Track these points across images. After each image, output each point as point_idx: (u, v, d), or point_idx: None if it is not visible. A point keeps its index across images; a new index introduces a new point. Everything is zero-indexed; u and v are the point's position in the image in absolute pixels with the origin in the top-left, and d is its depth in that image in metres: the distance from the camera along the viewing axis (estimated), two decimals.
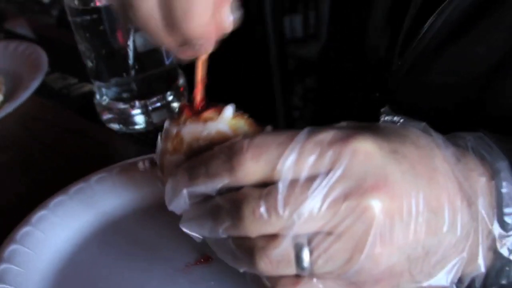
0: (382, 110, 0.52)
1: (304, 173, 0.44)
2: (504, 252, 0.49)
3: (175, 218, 0.53)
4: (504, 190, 0.48)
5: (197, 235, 0.51)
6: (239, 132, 0.52)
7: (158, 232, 0.69)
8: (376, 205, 0.44)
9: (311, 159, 0.44)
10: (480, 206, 0.48)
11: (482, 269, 0.49)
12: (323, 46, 1.06)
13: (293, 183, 0.44)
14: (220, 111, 0.53)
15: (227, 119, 0.53)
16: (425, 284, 0.48)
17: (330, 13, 0.99)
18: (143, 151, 0.79)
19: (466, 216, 0.47)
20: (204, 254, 0.64)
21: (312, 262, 0.45)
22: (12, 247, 0.66)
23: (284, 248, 0.45)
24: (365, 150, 0.45)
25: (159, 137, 0.56)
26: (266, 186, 0.45)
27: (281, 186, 0.44)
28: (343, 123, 0.52)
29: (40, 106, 0.99)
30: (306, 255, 0.45)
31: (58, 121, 0.95)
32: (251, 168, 0.45)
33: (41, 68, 1.02)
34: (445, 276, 0.47)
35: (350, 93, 0.94)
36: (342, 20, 0.93)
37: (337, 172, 0.44)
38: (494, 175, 0.49)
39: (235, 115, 0.53)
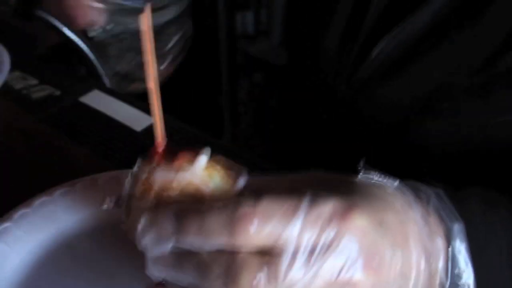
0: (359, 164, 0.55)
1: (305, 246, 0.46)
2: None
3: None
4: (458, 254, 0.53)
5: (159, 277, 0.52)
6: (211, 184, 0.53)
7: (118, 251, 0.70)
8: (364, 281, 0.48)
9: (313, 233, 0.46)
10: (440, 267, 0.52)
11: None
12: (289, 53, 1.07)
13: (293, 255, 0.46)
14: (192, 159, 0.53)
15: (199, 169, 0.53)
16: None
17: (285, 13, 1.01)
18: (103, 163, 0.81)
19: (426, 275, 0.52)
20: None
21: None
22: None
23: None
24: (362, 227, 0.48)
25: (127, 179, 0.56)
26: (262, 251, 0.46)
27: (284, 261, 0.46)
28: (316, 173, 0.55)
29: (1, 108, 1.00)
30: None
31: (18, 126, 0.96)
32: (254, 236, 0.46)
33: (3, 69, 1.02)
34: None
35: (299, 102, 0.97)
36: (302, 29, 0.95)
37: (335, 250, 0.46)
38: (450, 237, 0.53)
39: (208, 165, 0.53)
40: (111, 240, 0.72)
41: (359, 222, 0.48)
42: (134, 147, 0.82)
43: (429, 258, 0.52)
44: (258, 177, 0.56)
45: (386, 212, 0.51)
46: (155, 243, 0.50)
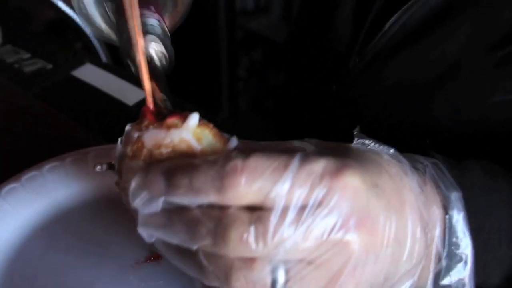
0: (354, 131, 0.54)
1: (295, 203, 0.45)
2: (447, 281, 0.53)
3: (126, 213, 0.53)
4: (455, 223, 0.52)
5: (151, 238, 0.51)
6: (204, 142, 0.52)
7: (109, 226, 0.70)
8: (357, 241, 0.46)
9: (303, 190, 0.45)
10: (436, 236, 0.52)
11: None
12: (291, 29, 1.07)
13: (283, 212, 0.45)
14: (184, 118, 0.52)
15: (191, 127, 0.52)
16: None
17: None
18: (94, 137, 0.80)
19: (422, 245, 0.51)
20: (154, 252, 0.66)
21: (287, 287, 0.47)
22: None
23: (263, 272, 0.46)
24: (353, 186, 0.47)
25: (119, 140, 0.55)
26: (252, 208, 0.46)
27: (273, 216, 0.45)
28: (311, 140, 0.54)
29: None
30: (281, 278, 0.46)
31: (9, 100, 0.95)
32: (243, 191, 0.45)
33: None
34: None
35: (305, 75, 0.96)
36: (312, 4, 0.94)
37: (326, 208, 0.45)
38: (447, 206, 0.52)
39: (200, 124, 0.52)
40: (101, 213, 0.72)
41: (352, 181, 0.47)
42: (126, 121, 0.80)
43: (425, 227, 0.51)
44: (250, 142, 0.55)
45: (380, 176, 0.50)
46: (146, 203, 0.49)
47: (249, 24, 2.18)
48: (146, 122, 0.53)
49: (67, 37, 1.46)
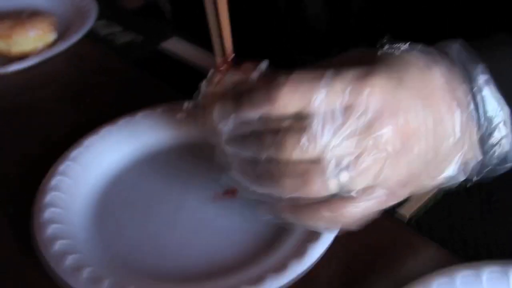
0: (384, 38, 0.61)
1: (333, 106, 0.54)
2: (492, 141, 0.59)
3: (205, 158, 0.64)
4: (484, 91, 0.58)
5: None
6: None
7: (190, 167, 0.79)
8: (394, 128, 0.54)
9: (338, 95, 0.54)
10: (471, 109, 0.58)
11: (479, 156, 0.60)
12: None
13: (326, 115, 0.54)
14: (256, 65, 0.62)
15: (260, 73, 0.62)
16: (439, 177, 0.59)
17: None
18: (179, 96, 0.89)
19: (463, 119, 0.57)
20: (231, 187, 0.74)
21: (351, 180, 0.55)
22: (66, 163, 0.77)
23: (329, 170, 0.55)
24: (380, 85, 0.54)
25: (202, 83, 0.65)
26: (300, 117, 0.54)
27: (317, 120, 0.54)
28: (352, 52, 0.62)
29: (89, 48, 1.08)
30: (345, 176, 0.55)
31: (105, 64, 1.05)
32: (287, 100, 0.54)
33: (91, 15, 1.12)
34: (452, 167, 0.59)
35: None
36: None
37: (358, 108, 0.54)
38: (473, 78, 0.58)
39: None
40: (184, 157, 0.81)
41: (377, 81, 0.54)
42: None
43: (461, 105, 0.57)
44: None
45: (406, 71, 0.57)
46: (226, 123, 0.59)
47: None
48: (225, 67, 0.65)
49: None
